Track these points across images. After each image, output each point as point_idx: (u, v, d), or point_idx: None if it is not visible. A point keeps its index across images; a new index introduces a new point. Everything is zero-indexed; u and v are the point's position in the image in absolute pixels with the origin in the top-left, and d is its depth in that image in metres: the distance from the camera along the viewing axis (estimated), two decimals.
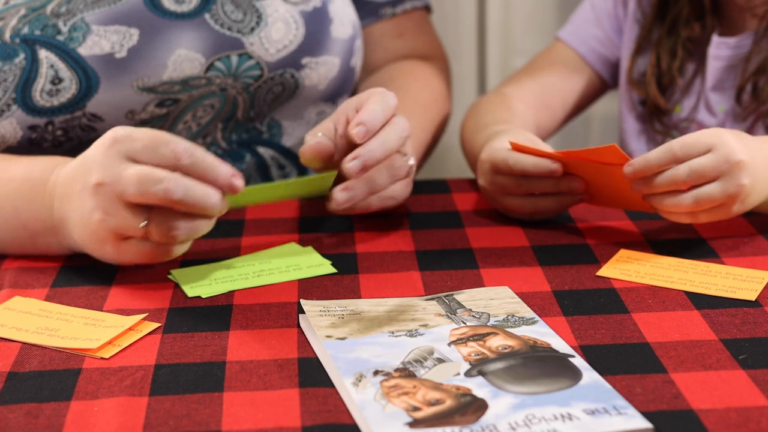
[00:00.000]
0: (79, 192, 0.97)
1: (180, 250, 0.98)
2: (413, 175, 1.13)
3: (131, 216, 0.95)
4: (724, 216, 1.03)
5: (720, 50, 1.29)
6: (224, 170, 0.95)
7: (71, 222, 1.00)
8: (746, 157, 1.00)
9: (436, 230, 1.13)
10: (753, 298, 0.93)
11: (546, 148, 1.10)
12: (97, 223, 0.96)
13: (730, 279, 0.97)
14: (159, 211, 0.95)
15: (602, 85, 1.44)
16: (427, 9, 1.44)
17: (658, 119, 1.36)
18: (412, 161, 1.09)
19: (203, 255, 1.07)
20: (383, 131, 1.05)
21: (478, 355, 0.83)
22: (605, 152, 1.03)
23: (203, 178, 0.94)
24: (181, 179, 0.93)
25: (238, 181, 0.96)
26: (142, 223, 0.95)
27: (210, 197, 0.94)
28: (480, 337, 0.86)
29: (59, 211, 1.01)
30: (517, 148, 1.09)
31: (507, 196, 1.12)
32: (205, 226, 0.97)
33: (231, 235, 1.13)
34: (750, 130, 1.29)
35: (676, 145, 1.00)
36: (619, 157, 1.02)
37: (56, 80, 1.14)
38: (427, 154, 1.34)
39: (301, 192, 1.10)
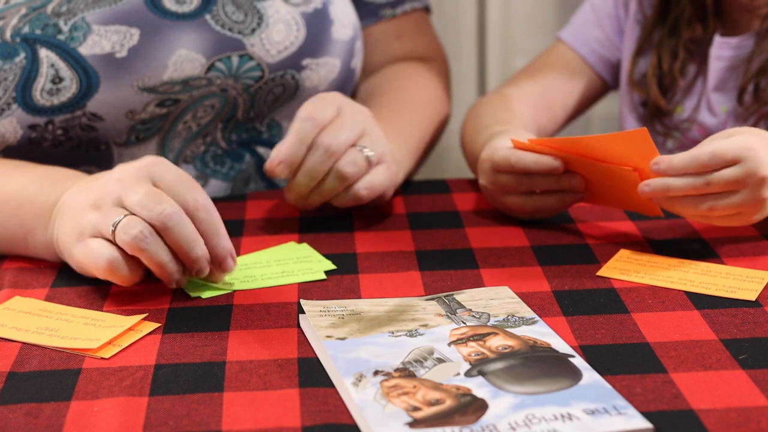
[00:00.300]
0: (91, 183, 0.99)
1: (130, 275, 0.95)
2: (390, 163, 1.13)
3: (114, 215, 0.94)
4: (741, 224, 1.01)
5: (722, 50, 1.29)
6: (225, 244, 0.97)
7: (63, 212, 1.00)
8: None
9: (436, 230, 1.13)
10: (753, 298, 0.93)
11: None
12: (87, 210, 0.96)
13: (730, 279, 0.97)
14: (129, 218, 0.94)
15: (603, 86, 1.44)
16: (427, 10, 1.44)
17: (659, 120, 1.36)
18: (368, 152, 1.10)
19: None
20: (310, 155, 1.08)
21: (478, 355, 0.83)
22: (632, 138, 1.01)
23: (204, 237, 0.95)
24: (186, 219, 0.94)
25: (231, 263, 0.97)
26: (117, 218, 0.93)
27: (196, 251, 0.94)
28: (480, 337, 0.86)
29: (58, 217, 1.01)
30: (519, 146, 1.09)
31: (508, 195, 1.12)
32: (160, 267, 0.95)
33: (231, 235, 1.12)
34: None
35: (706, 154, 0.98)
36: (647, 145, 1.00)
37: (56, 79, 1.14)
38: (424, 153, 1.34)
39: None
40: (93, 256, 0.95)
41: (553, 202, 1.11)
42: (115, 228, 0.93)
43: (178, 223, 0.93)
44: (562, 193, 1.10)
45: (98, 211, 0.95)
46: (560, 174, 1.08)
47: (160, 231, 0.93)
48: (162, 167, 0.97)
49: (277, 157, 1.09)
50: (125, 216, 0.93)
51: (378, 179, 1.11)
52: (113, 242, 0.94)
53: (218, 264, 0.97)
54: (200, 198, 0.96)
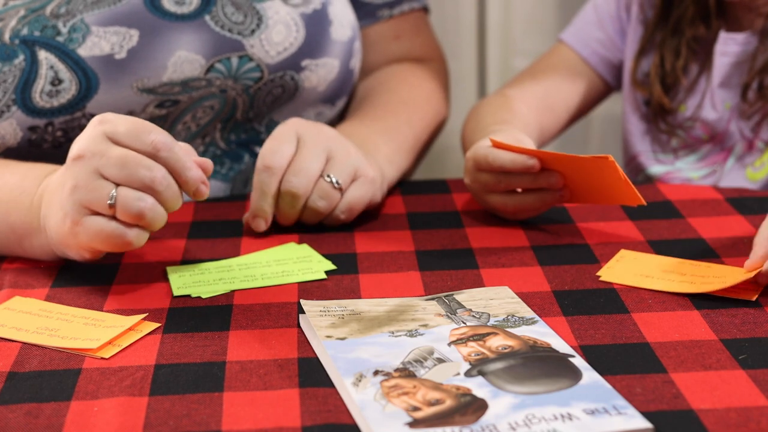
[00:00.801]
0: (61, 173, 0.98)
1: (137, 239, 0.96)
2: (366, 174, 1.12)
3: (102, 188, 0.94)
4: None
5: (727, 46, 1.29)
6: (195, 174, 0.97)
7: (47, 205, 0.99)
8: None
9: (436, 230, 1.13)
10: (753, 298, 0.93)
11: (530, 145, 1.11)
12: (67, 195, 0.95)
13: (729, 279, 0.97)
14: (123, 189, 0.94)
15: (605, 87, 1.44)
16: (425, 10, 1.44)
17: (663, 119, 1.36)
18: (336, 180, 1.10)
19: (203, 255, 1.07)
20: (280, 201, 1.10)
21: (478, 355, 0.83)
22: (598, 163, 1.04)
23: (173, 174, 0.96)
24: (167, 175, 0.95)
25: (204, 189, 0.98)
26: (112, 193, 0.94)
27: (179, 201, 0.97)
28: (480, 337, 0.86)
29: (44, 210, 1.01)
30: (498, 145, 1.10)
31: (490, 194, 1.12)
32: (165, 218, 0.96)
33: (231, 235, 1.13)
34: (756, 128, 1.29)
35: None
36: (614, 171, 1.03)
37: (56, 81, 1.14)
38: (421, 152, 1.34)
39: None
40: (100, 237, 0.95)
41: (533, 200, 1.11)
42: (114, 203, 0.94)
43: (166, 183, 0.95)
44: (542, 192, 1.10)
45: (79, 190, 0.94)
46: (537, 172, 1.08)
47: (150, 193, 0.95)
48: (109, 124, 0.95)
49: (249, 215, 1.11)
50: (117, 188, 0.94)
51: (354, 198, 1.11)
52: (109, 215, 0.95)
53: (193, 194, 0.98)
54: (155, 138, 0.95)
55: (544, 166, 1.09)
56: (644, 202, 1.07)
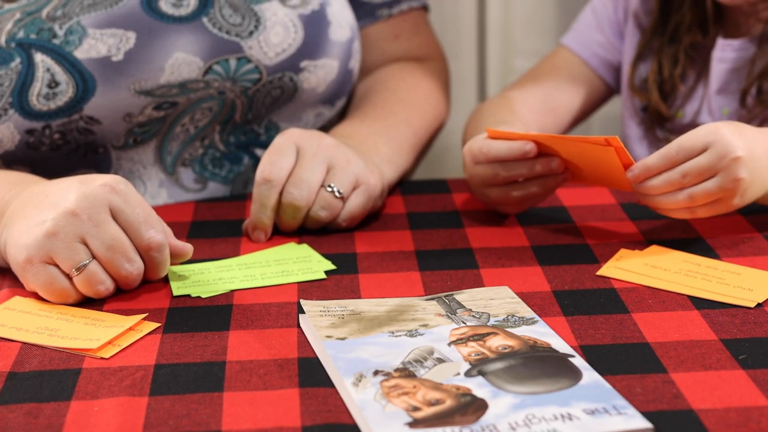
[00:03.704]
0: (45, 203, 0.97)
1: (77, 300, 0.97)
2: (368, 181, 1.12)
3: (77, 253, 0.94)
4: (724, 210, 1.03)
5: (725, 52, 1.29)
6: (163, 274, 0.99)
7: (13, 219, 0.98)
8: (744, 152, 1.00)
9: (436, 230, 1.13)
10: (752, 305, 0.93)
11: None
12: (40, 235, 0.94)
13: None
14: (95, 264, 0.95)
15: (606, 89, 1.44)
16: (425, 9, 1.44)
17: (660, 125, 1.36)
18: (337, 189, 1.10)
19: (203, 255, 1.07)
20: (281, 213, 1.10)
21: (478, 355, 0.83)
22: (598, 145, 1.03)
23: (148, 269, 0.98)
24: (142, 273, 0.97)
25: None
26: (84, 263, 0.94)
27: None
28: (480, 337, 0.86)
29: (7, 220, 0.99)
30: (493, 134, 1.09)
31: (490, 188, 1.12)
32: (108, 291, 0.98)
33: (231, 235, 1.13)
34: None
35: (674, 148, 1.01)
36: (621, 154, 1.02)
37: (53, 84, 1.14)
38: (421, 151, 1.33)
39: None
40: (45, 287, 0.96)
41: (536, 188, 1.10)
42: (79, 272, 0.95)
43: (137, 281, 0.98)
44: (544, 178, 1.10)
45: (55, 240, 0.94)
46: (535, 158, 1.08)
47: (118, 280, 0.98)
48: (118, 198, 0.96)
49: (248, 226, 1.12)
50: (90, 262, 0.95)
51: (356, 207, 1.11)
52: (67, 274, 0.95)
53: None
54: (154, 239, 0.97)
55: (542, 151, 1.08)
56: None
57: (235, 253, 1.08)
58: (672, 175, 1.00)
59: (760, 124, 1.28)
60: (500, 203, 1.13)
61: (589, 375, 0.79)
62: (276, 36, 1.22)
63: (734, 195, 1.01)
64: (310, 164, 1.09)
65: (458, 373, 0.80)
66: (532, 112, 1.33)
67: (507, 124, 1.24)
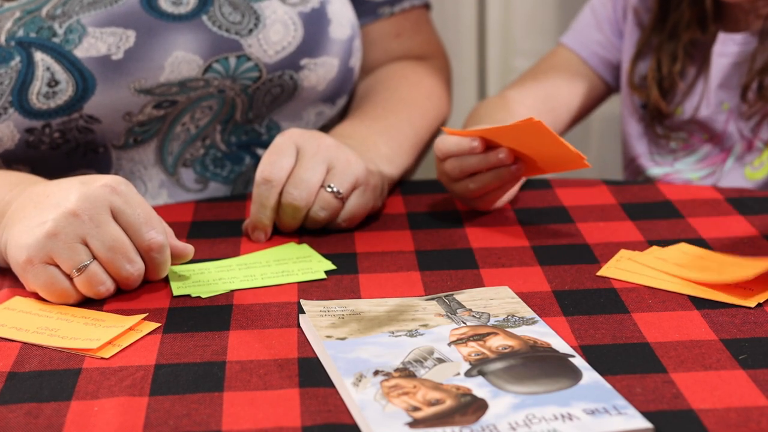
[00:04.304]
0: (45, 203, 0.96)
1: (77, 300, 0.97)
2: (368, 182, 1.12)
3: (78, 253, 0.94)
4: None
5: (726, 47, 1.29)
6: (164, 275, 1.00)
7: (13, 219, 0.98)
8: None
9: (436, 230, 1.13)
10: (752, 305, 0.93)
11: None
12: (41, 235, 0.94)
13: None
14: (96, 265, 0.95)
15: (605, 88, 1.44)
16: (427, 7, 1.44)
17: (660, 122, 1.36)
18: (337, 189, 1.10)
19: (203, 254, 1.07)
20: (281, 213, 1.10)
21: (478, 355, 0.83)
22: (526, 127, 1.05)
23: (148, 270, 0.98)
24: (143, 273, 0.98)
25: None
26: (85, 263, 0.94)
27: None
28: (480, 337, 0.86)
29: (8, 221, 0.99)
30: (450, 132, 1.13)
31: (454, 183, 1.14)
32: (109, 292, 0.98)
33: (231, 235, 1.13)
34: (755, 129, 1.29)
35: None
36: (543, 132, 1.04)
37: (52, 82, 1.14)
38: (423, 150, 1.33)
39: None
40: (46, 287, 0.96)
41: (490, 179, 1.12)
42: (79, 273, 0.95)
43: (138, 282, 0.98)
44: (497, 170, 1.11)
45: (56, 241, 0.94)
46: (486, 151, 1.10)
47: (119, 280, 0.98)
48: (119, 199, 0.96)
49: (248, 226, 1.12)
50: (91, 262, 0.95)
51: (356, 207, 1.12)
52: (67, 275, 0.95)
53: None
54: (155, 240, 0.97)
55: (490, 144, 1.10)
56: (589, 165, 1.07)
57: (235, 253, 1.08)
58: None
59: (760, 119, 1.28)
60: (464, 197, 1.15)
61: (589, 375, 0.79)
62: (276, 34, 1.22)
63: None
64: (309, 164, 1.09)
65: (458, 373, 0.80)
66: (530, 111, 1.33)
67: (501, 123, 1.24)
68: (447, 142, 1.13)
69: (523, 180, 1.20)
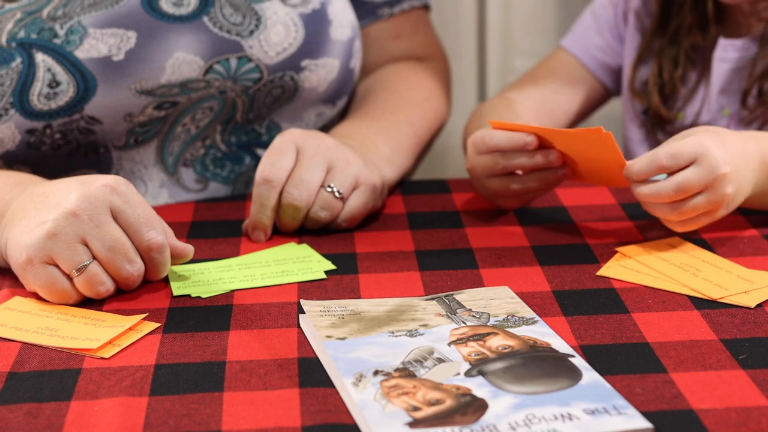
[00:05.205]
0: (45, 204, 0.96)
1: (78, 300, 0.97)
2: (368, 182, 1.12)
3: (79, 253, 0.94)
4: (709, 221, 1.04)
5: (727, 52, 1.29)
6: (164, 274, 0.99)
7: (13, 219, 0.98)
8: (730, 168, 1.00)
9: (436, 230, 1.13)
10: (752, 306, 0.93)
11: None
12: (41, 236, 0.94)
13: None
14: (96, 265, 0.95)
15: (604, 92, 1.44)
16: (426, 8, 1.44)
17: (661, 128, 1.36)
18: (337, 189, 1.10)
19: (203, 255, 1.07)
20: (281, 213, 1.10)
21: (478, 355, 0.83)
22: (592, 135, 1.04)
23: (148, 270, 0.98)
24: (143, 274, 0.98)
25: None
26: (85, 263, 0.94)
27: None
28: (480, 337, 0.86)
29: (8, 222, 0.99)
30: (496, 125, 1.11)
31: (491, 179, 1.13)
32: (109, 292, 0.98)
33: (231, 235, 1.13)
34: None
35: (663, 155, 1.01)
36: (609, 144, 1.03)
37: (53, 84, 1.14)
38: (422, 150, 1.34)
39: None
40: (47, 287, 0.95)
41: (535, 182, 1.11)
42: (79, 273, 0.94)
43: (137, 282, 0.98)
44: (542, 172, 1.11)
45: (56, 241, 0.94)
46: (535, 150, 1.09)
47: (119, 281, 0.98)
48: (119, 199, 0.96)
49: (248, 226, 1.12)
50: (91, 262, 0.95)
51: (356, 207, 1.11)
52: (67, 275, 0.95)
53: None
54: (155, 240, 0.97)
55: (542, 144, 1.09)
56: (628, 185, 1.07)
57: (235, 253, 1.08)
58: (663, 188, 1.01)
59: (761, 125, 1.28)
60: (499, 195, 1.14)
61: (589, 375, 0.79)
62: (276, 35, 1.22)
63: (720, 208, 1.02)
64: (309, 164, 1.09)
65: (458, 373, 0.80)
66: (530, 113, 1.34)
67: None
68: (497, 136, 1.10)
69: None
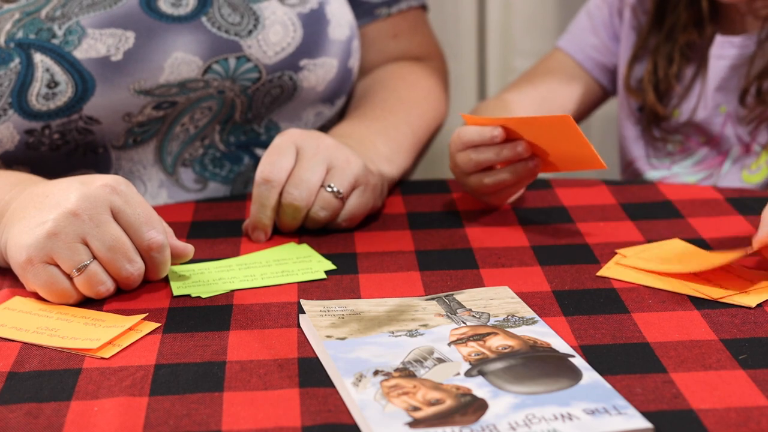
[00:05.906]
0: (45, 203, 0.96)
1: (78, 300, 0.97)
2: (368, 181, 1.12)
3: (79, 253, 0.94)
4: None
5: (724, 49, 1.29)
6: (164, 274, 0.99)
7: (13, 219, 0.98)
8: None
9: (436, 230, 1.13)
10: (753, 305, 0.93)
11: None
12: (41, 236, 0.94)
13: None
14: (96, 265, 0.95)
15: (601, 92, 1.44)
16: (424, 8, 1.44)
17: (657, 125, 1.36)
18: (337, 189, 1.10)
19: (203, 255, 1.07)
20: (281, 213, 1.10)
21: (478, 355, 0.83)
22: (554, 121, 1.05)
23: (149, 270, 0.98)
24: (143, 273, 0.97)
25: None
26: (85, 263, 0.94)
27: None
28: (480, 337, 0.86)
29: (7, 221, 0.99)
30: (470, 121, 1.12)
31: (469, 176, 1.14)
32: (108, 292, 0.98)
33: (231, 235, 1.13)
34: (753, 132, 1.29)
35: None
36: (572, 129, 1.04)
37: (52, 84, 1.14)
38: (421, 150, 1.34)
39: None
40: (47, 287, 0.95)
41: (507, 175, 1.12)
42: (79, 272, 0.94)
43: (138, 282, 0.98)
44: (514, 165, 1.11)
45: (56, 241, 0.94)
46: (503, 143, 1.10)
47: (119, 280, 0.98)
48: (119, 199, 0.96)
49: (248, 226, 1.12)
50: (91, 262, 0.94)
51: (355, 207, 1.12)
52: (67, 274, 0.95)
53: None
54: (155, 239, 0.96)
55: (510, 137, 1.10)
56: (605, 166, 1.08)
57: (235, 253, 1.08)
58: None
59: (758, 124, 1.28)
60: (478, 192, 1.15)
61: (589, 375, 0.79)
62: (275, 35, 1.22)
63: None
64: (309, 164, 1.09)
65: (458, 373, 0.80)
66: (527, 113, 1.34)
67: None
68: (468, 132, 1.12)
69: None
